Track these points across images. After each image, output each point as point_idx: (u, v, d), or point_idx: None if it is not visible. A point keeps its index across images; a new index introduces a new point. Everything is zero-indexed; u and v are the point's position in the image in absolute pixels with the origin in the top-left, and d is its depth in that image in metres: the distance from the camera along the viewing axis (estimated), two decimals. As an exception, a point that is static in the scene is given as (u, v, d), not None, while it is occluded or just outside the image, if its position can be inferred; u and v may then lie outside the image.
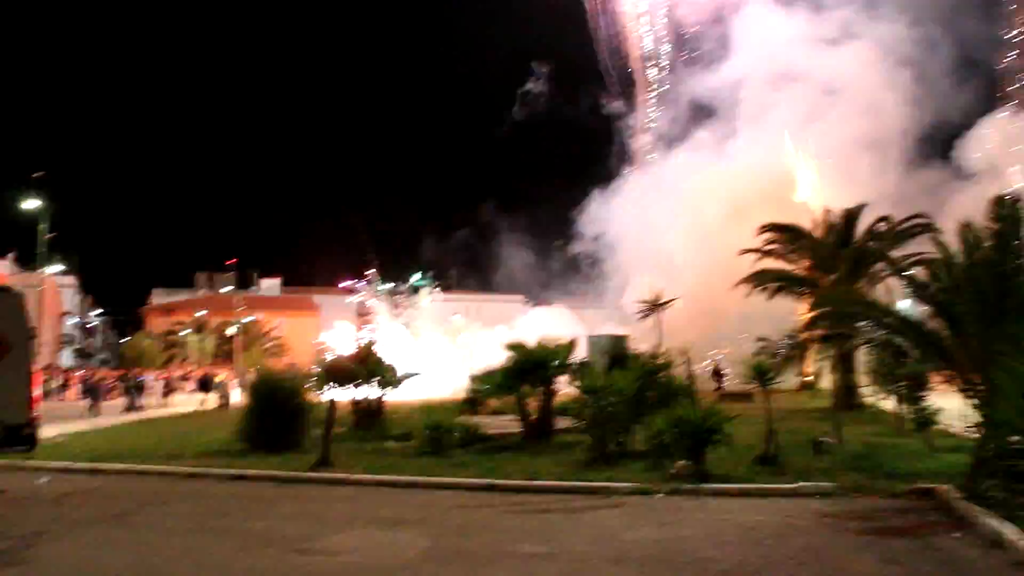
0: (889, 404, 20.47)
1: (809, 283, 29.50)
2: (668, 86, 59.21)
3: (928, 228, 25.49)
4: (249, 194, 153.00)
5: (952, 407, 15.15)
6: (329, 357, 25.75)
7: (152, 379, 44.40)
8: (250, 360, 56.80)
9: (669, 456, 13.34)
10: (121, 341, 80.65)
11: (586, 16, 59.95)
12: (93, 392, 34.22)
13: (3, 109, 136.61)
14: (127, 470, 15.71)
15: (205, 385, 39.10)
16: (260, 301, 78.73)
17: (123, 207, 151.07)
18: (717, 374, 36.98)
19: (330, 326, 53.31)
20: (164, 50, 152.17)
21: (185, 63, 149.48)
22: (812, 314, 18.32)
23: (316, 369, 20.70)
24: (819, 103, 51.28)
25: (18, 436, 12.92)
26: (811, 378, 36.12)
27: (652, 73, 59.25)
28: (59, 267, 73.47)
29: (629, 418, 15.56)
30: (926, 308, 13.08)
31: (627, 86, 61.02)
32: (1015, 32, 51.91)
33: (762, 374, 15.20)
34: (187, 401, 40.16)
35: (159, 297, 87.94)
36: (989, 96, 53.14)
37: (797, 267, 30.94)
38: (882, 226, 29.01)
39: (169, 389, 42.93)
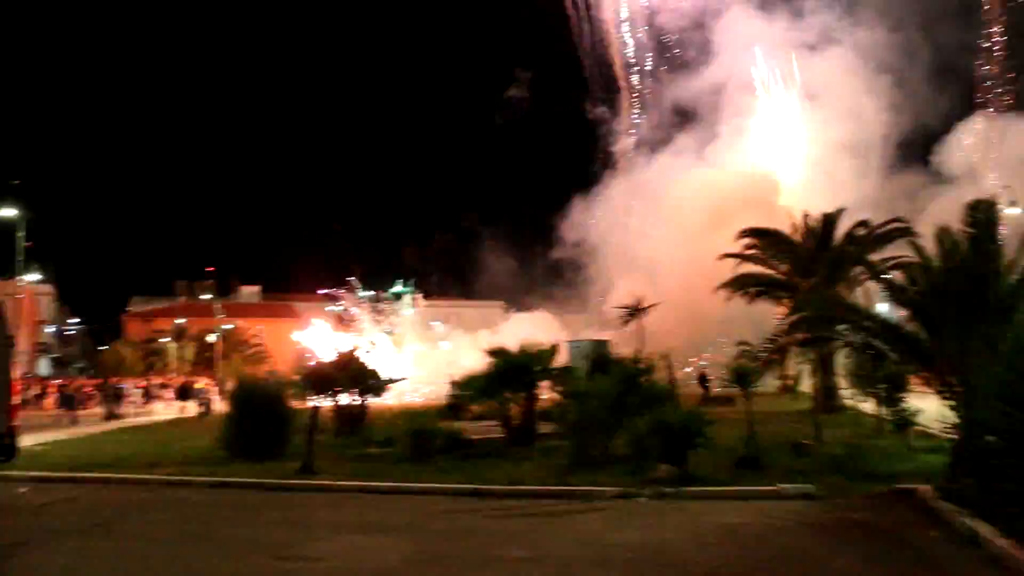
0: (868, 406, 20.66)
1: (789, 287, 29.71)
2: (650, 92, 59.48)
3: (906, 232, 25.74)
4: (228, 202, 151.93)
5: (930, 408, 15.32)
6: (311, 363, 25.76)
7: (131, 387, 44.02)
8: (231, 368, 56.50)
9: (651, 460, 13.43)
10: (100, 349, 79.86)
11: (568, 23, 60.19)
12: (69, 401, 33.83)
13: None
14: (108, 479, 15.59)
15: (184, 393, 38.79)
16: (240, 308, 78.28)
17: (100, 215, 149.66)
18: (703, 379, 37.12)
19: (315, 337, 53.07)
20: (141, 57, 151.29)
21: (162, 71, 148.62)
22: (792, 318, 18.43)
23: (298, 376, 20.67)
24: (801, 108, 51.78)
25: (-2, 445, 12.82)
26: (791, 381, 36.39)
27: (634, 79, 59.55)
28: (36, 276, 72.87)
29: (611, 422, 15.59)
30: (904, 311, 13.25)
31: (610, 92, 61.29)
32: (992, 38, 52.60)
33: (743, 377, 15.31)
34: (167, 409, 39.88)
35: (138, 305, 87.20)
36: (967, 102, 53.82)
37: (777, 271, 31.15)
38: (860, 230, 29.28)
39: (148, 397, 42.59)
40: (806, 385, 32.53)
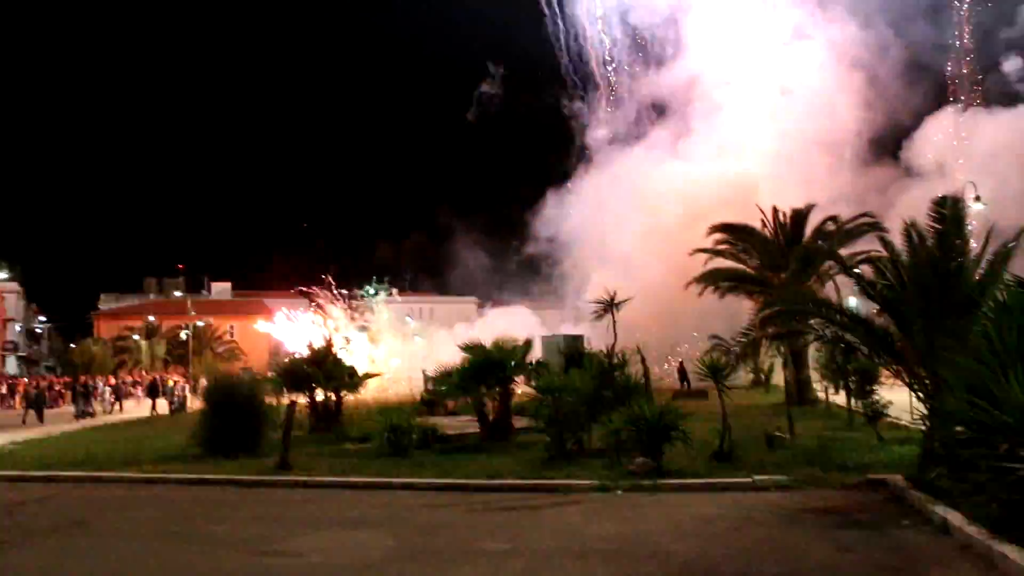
0: (840, 399, 20.96)
1: (760, 282, 29.97)
2: (623, 87, 59.65)
3: (875, 227, 26.07)
4: (198, 199, 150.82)
5: (901, 400, 15.62)
6: (286, 360, 25.70)
7: (102, 385, 43.55)
8: (203, 365, 56.11)
9: (627, 453, 13.58)
10: (69, 347, 79.04)
11: (543, 18, 60.19)
12: (38, 400, 33.37)
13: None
14: (83, 477, 15.46)
15: (154, 390, 38.36)
16: (211, 305, 77.76)
17: (69, 212, 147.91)
18: (683, 373, 37.37)
19: (284, 330, 52.71)
20: (110, 52, 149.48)
21: (132, 66, 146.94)
22: (765, 312, 18.64)
23: (273, 373, 20.66)
24: (774, 104, 52.14)
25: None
26: (764, 375, 36.76)
27: (608, 73, 59.68)
28: (3, 274, 72.01)
29: (586, 417, 15.75)
30: (874, 305, 13.47)
31: (584, 87, 61.39)
32: (962, 36, 53.33)
33: (716, 371, 15.47)
34: (138, 407, 39.52)
35: (108, 302, 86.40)
36: (938, 98, 54.50)
37: (748, 266, 31.40)
38: (830, 225, 29.58)
39: (118, 395, 42.13)
40: (778, 379, 32.89)
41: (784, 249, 29.83)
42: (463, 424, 19.78)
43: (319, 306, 48.94)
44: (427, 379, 26.72)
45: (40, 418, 31.23)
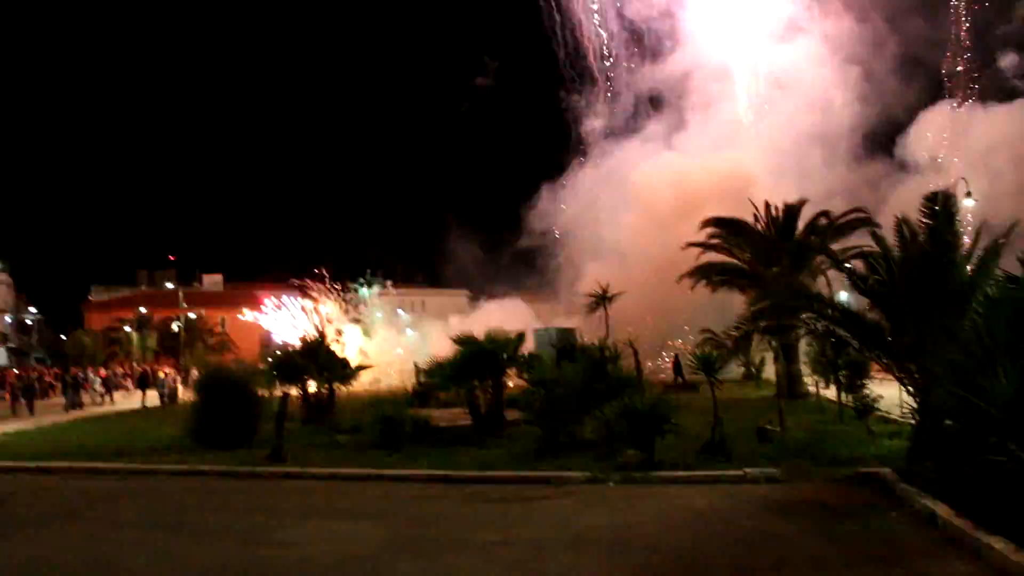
0: (831, 392, 21.05)
1: (752, 276, 30.05)
2: (620, 80, 59.58)
3: (866, 222, 26.18)
4: (190, 190, 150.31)
5: (891, 395, 15.70)
6: (278, 351, 25.70)
7: (93, 376, 43.46)
8: (194, 357, 56.00)
9: (619, 445, 13.66)
10: (60, 339, 78.80)
11: (539, 11, 60.04)
12: (27, 391, 33.26)
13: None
14: (75, 468, 15.49)
15: (144, 382, 38.25)
16: (202, 297, 77.62)
17: (60, 203, 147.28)
18: (678, 366, 37.46)
19: (272, 320, 52.58)
20: (101, 43, 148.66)
21: (124, 58, 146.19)
22: (756, 306, 18.71)
23: (265, 365, 20.68)
24: (770, 98, 52.17)
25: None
26: (755, 368, 36.86)
27: (604, 67, 59.59)
28: (-6, 266, 71.79)
29: (578, 409, 15.79)
30: (865, 300, 13.55)
31: (580, 80, 61.31)
32: (960, 31, 53.34)
33: (708, 365, 15.53)
34: (129, 399, 39.46)
35: (99, 294, 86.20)
36: (933, 94, 54.51)
37: (740, 260, 31.46)
38: (822, 220, 29.65)
39: (109, 387, 42.01)
40: (769, 372, 32.98)
41: (776, 244, 29.87)
42: (455, 416, 19.83)
43: (313, 299, 48.86)
44: (419, 371, 26.75)
45: (30, 409, 31.17)
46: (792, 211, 30.60)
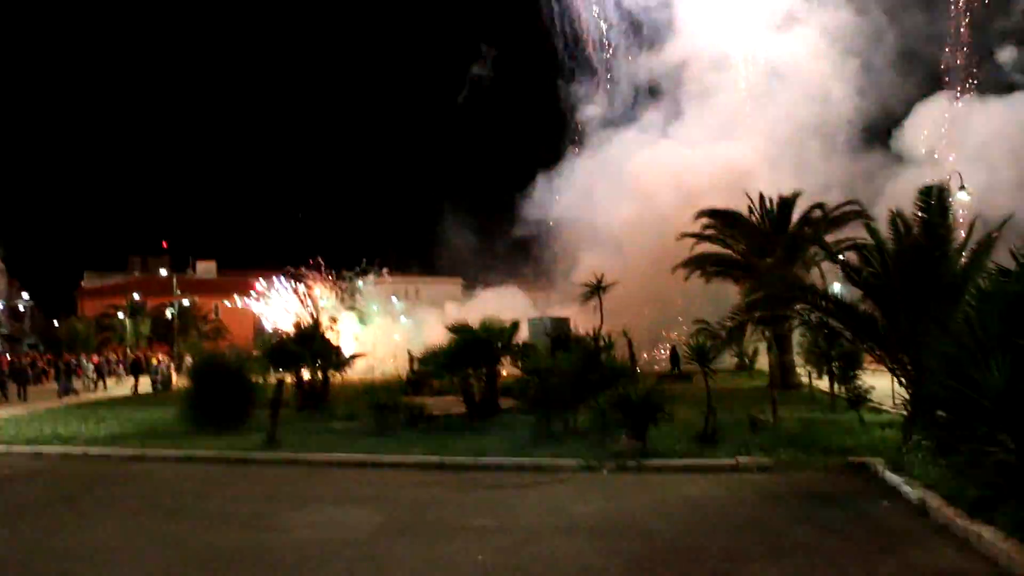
0: (823, 383, 21.16)
1: (746, 267, 30.15)
2: (618, 69, 59.46)
3: (860, 214, 26.27)
4: (183, 177, 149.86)
5: (883, 386, 15.81)
6: (272, 338, 25.70)
7: (86, 363, 43.39)
8: (188, 343, 55.90)
9: (612, 434, 13.75)
10: (53, 325, 78.66)
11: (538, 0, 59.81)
12: (19, 376, 33.19)
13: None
14: (70, 453, 15.54)
15: (136, 368, 38.16)
16: (196, 284, 77.47)
17: (52, 189, 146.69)
18: (675, 357, 37.58)
19: (264, 305, 52.54)
20: (95, 29, 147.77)
21: (117, 44, 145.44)
22: (751, 297, 18.81)
23: (260, 351, 20.70)
24: (768, 89, 52.09)
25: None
26: (748, 359, 37.02)
27: (603, 56, 59.45)
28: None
29: (573, 398, 15.88)
30: (858, 291, 13.63)
31: (578, 69, 61.16)
32: (959, 24, 53.31)
33: (702, 355, 15.61)
34: (122, 385, 39.45)
35: (92, 280, 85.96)
36: (931, 87, 54.45)
37: (734, 251, 31.54)
38: (817, 212, 29.75)
39: (101, 373, 41.93)
40: (763, 363, 33.13)
41: (770, 235, 29.98)
42: (449, 404, 19.90)
43: (307, 287, 48.81)
44: (412, 359, 26.80)
45: (23, 395, 31.11)
46: (786, 203, 30.69)
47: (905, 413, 12.28)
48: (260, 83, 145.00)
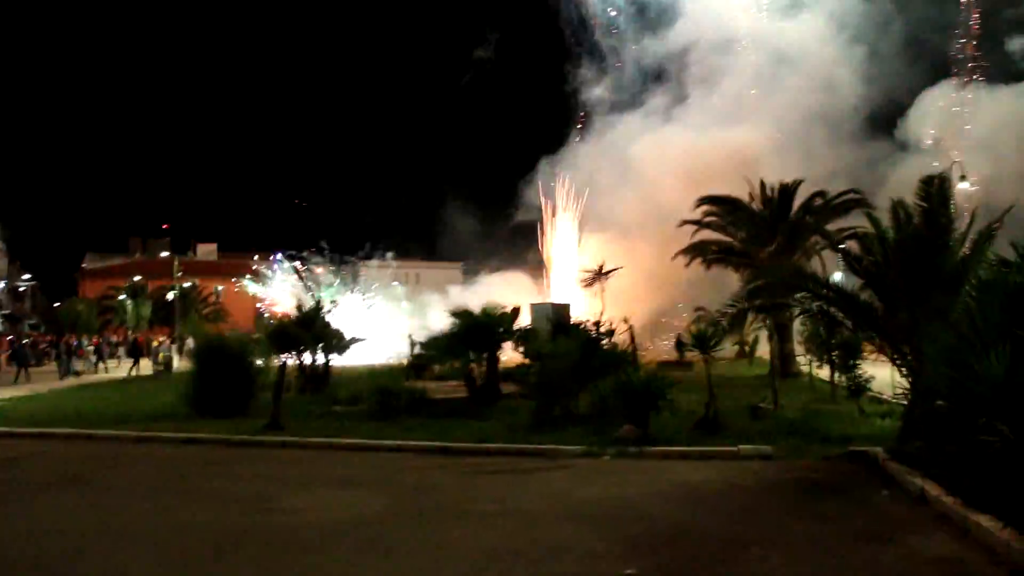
0: (824, 372, 21.25)
1: (746, 255, 30.17)
2: (623, 54, 59.18)
3: (861, 203, 26.28)
4: (184, 159, 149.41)
5: (883, 375, 15.88)
6: (273, 321, 25.72)
7: (87, 344, 43.49)
8: (188, 325, 55.97)
9: (614, 420, 13.82)
10: (54, 306, 78.74)
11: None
12: (22, 357, 33.26)
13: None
14: (75, 434, 15.64)
15: (136, 351, 38.20)
16: (197, 266, 77.46)
17: (54, 170, 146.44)
18: (681, 344, 37.68)
19: (270, 291, 52.54)
20: (96, 15, 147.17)
21: (119, 29, 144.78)
22: (751, 285, 18.84)
23: (262, 334, 20.73)
24: (775, 74, 51.88)
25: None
26: (748, 346, 37.08)
27: (608, 41, 59.19)
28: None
29: (574, 383, 15.94)
30: (859, 280, 13.67)
31: (583, 53, 60.90)
32: (970, 12, 52.96)
33: (703, 342, 15.68)
34: (120, 368, 39.56)
35: (93, 262, 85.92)
36: (938, 76, 54.18)
37: (735, 239, 31.54)
38: (818, 200, 29.76)
39: (101, 355, 42.00)
40: (763, 351, 33.19)
41: (771, 223, 29.98)
42: (450, 389, 19.97)
43: (309, 270, 48.81)
44: (413, 344, 26.86)
45: (24, 376, 31.17)
46: (787, 191, 30.67)
47: (905, 403, 12.33)
48: (263, 66, 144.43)
